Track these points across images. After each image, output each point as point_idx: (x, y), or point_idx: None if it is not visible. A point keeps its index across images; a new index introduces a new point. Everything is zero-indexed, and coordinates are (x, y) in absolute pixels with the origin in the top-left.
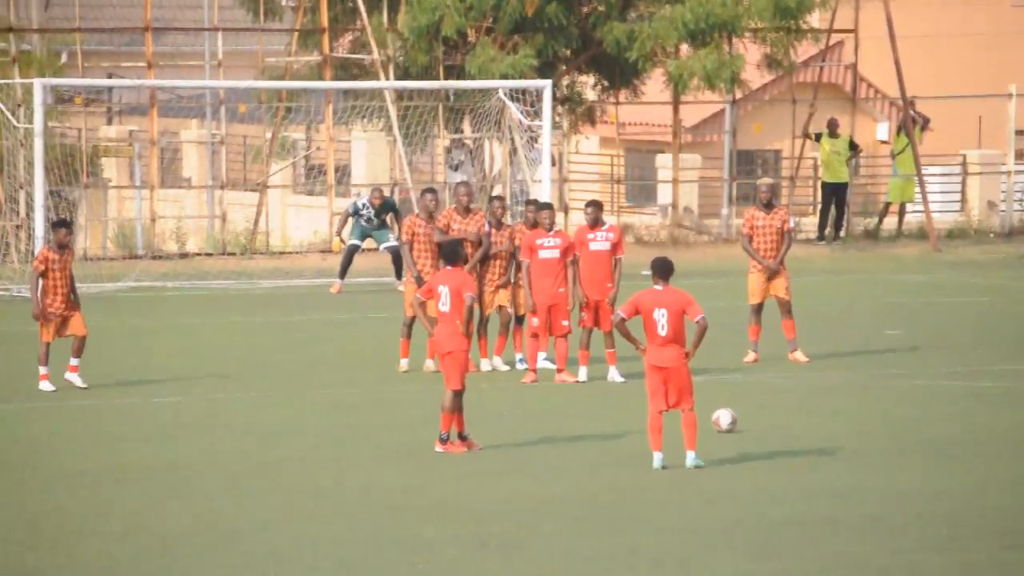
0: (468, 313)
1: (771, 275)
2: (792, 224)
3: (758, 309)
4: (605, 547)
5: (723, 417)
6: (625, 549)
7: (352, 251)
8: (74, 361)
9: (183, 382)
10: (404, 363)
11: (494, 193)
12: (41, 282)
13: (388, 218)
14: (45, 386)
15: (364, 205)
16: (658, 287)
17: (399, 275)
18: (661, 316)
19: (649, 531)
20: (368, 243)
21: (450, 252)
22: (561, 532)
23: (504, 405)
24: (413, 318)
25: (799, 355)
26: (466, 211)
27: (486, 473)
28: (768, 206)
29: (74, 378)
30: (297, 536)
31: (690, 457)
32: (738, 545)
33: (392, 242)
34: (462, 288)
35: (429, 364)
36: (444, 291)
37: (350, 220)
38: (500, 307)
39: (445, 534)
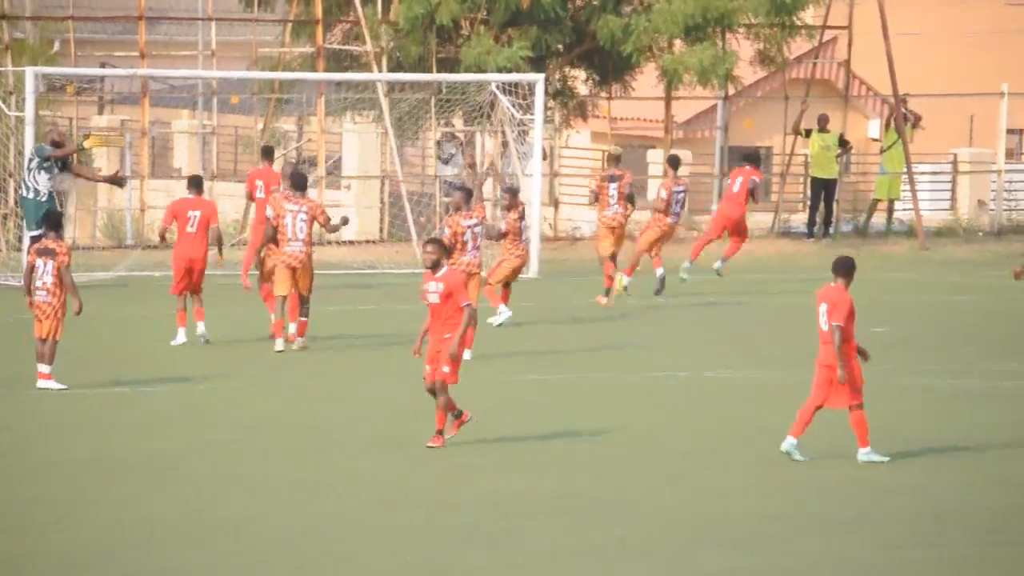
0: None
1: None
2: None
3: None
4: (593, 540)
5: None
6: (613, 543)
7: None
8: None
9: (170, 372)
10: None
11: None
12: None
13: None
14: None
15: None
16: (832, 284)
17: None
18: (822, 312)
19: (638, 525)
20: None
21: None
22: (549, 526)
23: (491, 400)
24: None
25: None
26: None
27: (475, 467)
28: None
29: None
30: (284, 527)
31: (862, 453)
32: (727, 540)
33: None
34: None
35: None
36: None
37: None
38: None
39: (433, 526)
